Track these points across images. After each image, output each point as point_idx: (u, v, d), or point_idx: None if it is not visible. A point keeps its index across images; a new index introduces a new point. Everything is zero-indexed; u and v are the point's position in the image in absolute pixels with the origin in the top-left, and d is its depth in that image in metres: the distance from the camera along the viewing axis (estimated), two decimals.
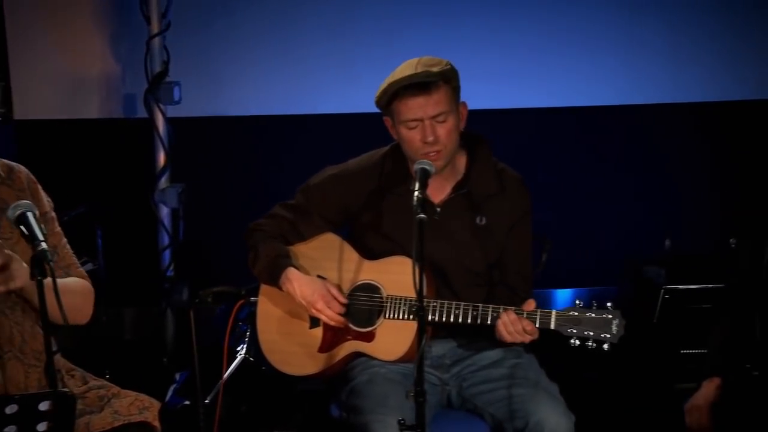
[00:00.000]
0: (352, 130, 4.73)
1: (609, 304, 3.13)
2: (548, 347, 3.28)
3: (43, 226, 2.60)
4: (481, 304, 3.21)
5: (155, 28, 4.96)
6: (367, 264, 3.36)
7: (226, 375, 3.72)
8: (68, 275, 2.86)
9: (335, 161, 3.47)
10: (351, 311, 3.33)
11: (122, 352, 4.92)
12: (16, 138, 5.12)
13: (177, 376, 4.60)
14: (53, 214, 2.92)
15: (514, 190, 3.37)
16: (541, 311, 3.15)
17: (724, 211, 5.18)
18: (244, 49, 5.15)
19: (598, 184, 5.28)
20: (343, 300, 3.32)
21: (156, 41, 4.97)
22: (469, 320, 3.21)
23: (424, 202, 2.96)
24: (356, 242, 3.40)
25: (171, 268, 5.10)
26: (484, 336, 3.28)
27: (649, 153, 5.30)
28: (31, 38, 5.12)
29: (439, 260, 3.30)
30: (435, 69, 3.20)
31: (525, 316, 3.16)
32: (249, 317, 3.78)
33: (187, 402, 4.15)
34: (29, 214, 2.59)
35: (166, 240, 5.10)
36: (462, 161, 3.37)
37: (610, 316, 3.11)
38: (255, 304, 3.48)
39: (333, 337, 3.35)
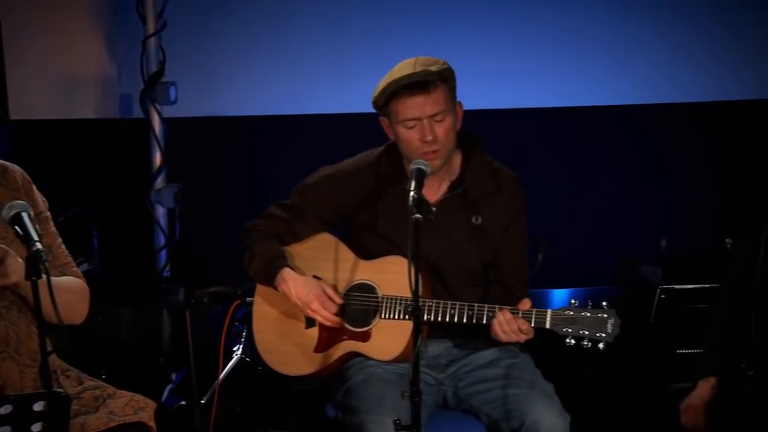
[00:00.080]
0: (348, 130, 4.74)
1: (604, 304, 3.13)
2: (544, 347, 3.29)
3: (37, 226, 2.60)
4: (476, 304, 3.21)
5: (151, 28, 4.96)
6: (363, 264, 3.36)
7: (222, 375, 3.72)
8: (63, 275, 2.86)
9: (331, 161, 3.47)
10: (346, 311, 3.33)
11: (118, 353, 4.92)
12: (12, 138, 5.12)
13: (173, 377, 4.60)
14: (48, 213, 2.91)
15: (510, 189, 3.37)
16: (536, 311, 3.15)
17: (720, 211, 5.18)
18: (240, 50, 5.15)
19: (594, 184, 5.29)
20: (339, 300, 3.32)
21: (152, 41, 4.97)
22: (464, 320, 3.21)
23: (420, 202, 2.96)
24: (352, 242, 3.40)
25: (167, 268, 5.10)
26: (479, 336, 3.29)
27: (645, 152, 5.30)
28: (27, 38, 5.12)
29: (435, 260, 3.30)
30: (433, 68, 3.21)
31: (520, 315, 3.16)
32: (245, 317, 3.78)
33: (183, 402, 4.15)
34: (24, 215, 2.59)
35: (162, 240, 5.10)
36: (457, 161, 3.37)
37: (605, 316, 3.11)
38: (251, 304, 3.48)
39: (329, 337, 3.35)
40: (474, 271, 3.36)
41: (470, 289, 3.35)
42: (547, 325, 3.15)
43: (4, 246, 2.67)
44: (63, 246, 2.92)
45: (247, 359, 4.03)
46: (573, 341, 3.13)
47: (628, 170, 5.31)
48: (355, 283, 3.35)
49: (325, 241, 3.42)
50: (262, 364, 3.44)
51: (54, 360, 2.85)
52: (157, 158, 5.05)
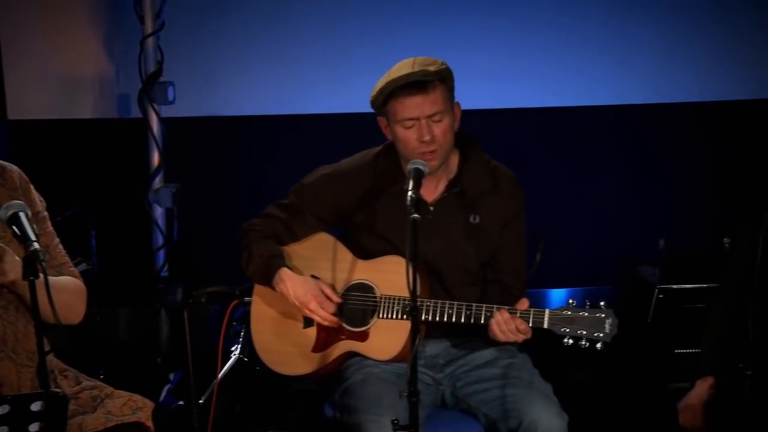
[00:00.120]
0: (346, 130, 4.74)
1: (602, 304, 3.13)
2: (542, 347, 3.29)
3: (35, 226, 2.60)
4: (474, 304, 3.21)
5: (149, 28, 4.96)
6: (361, 264, 3.36)
7: (220, 375, 3.72)
8: (60, 274, 2.86)
9: (329, 161, 3.47)
10: (345, 311, 3.33)
11: (116, 353, 4.92)
12: (10, 138, 5.12)
13: (171, 377, 4.60)
14: (45, 213, 2.91)
15: (508, 188, 3.37)
16: (534, 310, 3.15)
17: (719, 211, 5.19)
18: (238, 50, 5.15)
19: (592, 184, 5.29)
20: (337, 300, 3.32)
21: (150, 41, 4.97)
22: (462, 320, 3.21)
23: (418, 202, 2.96)
24: (350, 242, 3.40)
25: (165, 268, 5.09)
26: (477, 336, 3.28)
27: (644, 152, 5.31)
28: (25, 38, 5.11)
29: (433, 259, 3.30)
30: (432, 68, 3.21)
31: (518, 315, 3.16)
32: (243, 317, 3.78)
33: (181, 402, 4.15)
34: (21, 214, 2.59)
35: (160, 240, 5.10)
36: (455, 160, 3.37)
37: (603, 316, 3.11)
38: (249, 304, 3.48)
39: (327, 336, 3.35)
40: (472, 270, 3.36)
41: (468, 289, 3.35)
42: (545, 325, 3.14)
43: (1, 244, 2.67)
44: (60, 246, 2.92)
45: (246, 359, 4.03)
46: (571, 341, 3.13)
47: (626, 170, 5.32)
48: (353, 282, 3.35)
49: (323, 240, 3.42)
50: (261, 363, 3.44)
51: (52, 360, 2.85)
52: (155, 158, 5.05)
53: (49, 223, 2.91)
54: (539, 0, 5.19)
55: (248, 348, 3.95)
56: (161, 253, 5.09)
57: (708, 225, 5.11)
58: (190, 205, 5.10)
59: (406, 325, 3.15)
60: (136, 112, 5.05)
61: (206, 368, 3.78)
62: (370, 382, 3.23)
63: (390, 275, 3.27)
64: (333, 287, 3.35)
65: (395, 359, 3.27)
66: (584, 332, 3.11)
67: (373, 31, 5.14)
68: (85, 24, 5.16)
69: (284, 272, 3.32)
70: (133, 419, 2.79)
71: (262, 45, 5.17)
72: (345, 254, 3.38)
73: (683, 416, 3.25)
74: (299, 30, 5.16)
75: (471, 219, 3.35)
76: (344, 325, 3.33)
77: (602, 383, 4.59)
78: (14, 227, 2.58)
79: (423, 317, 3.19)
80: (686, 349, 4.49)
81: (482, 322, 3.19)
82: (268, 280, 3.35)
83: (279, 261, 3.34)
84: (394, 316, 3.28)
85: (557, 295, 5.16)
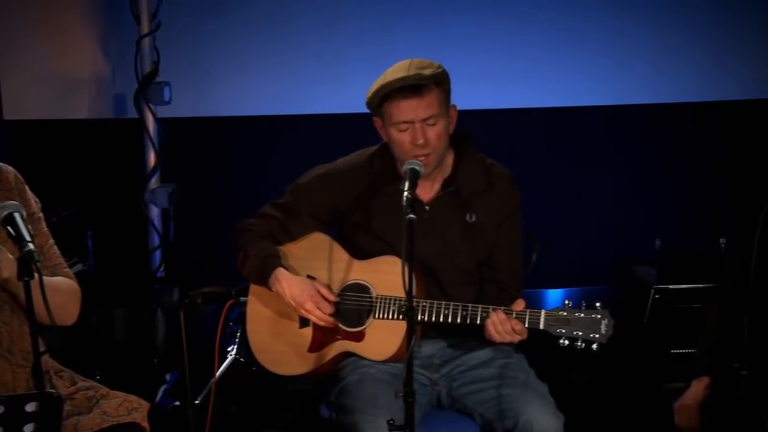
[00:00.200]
0: (343, 130, 4.74)
1: (598, 304, 3.14)
2: (538, 347, 3.29)
3: (30, 226, 2.60)
4: (470, 304, 3.21)
5: (145, 28, 4.96)
6: (357, 264, 3.36)
7: (217, 375, 3.72)
8: (54, 275, 2.86)
9: (325, 161, 3.47)
10: (340, 311, 3.33)
11: (112, 353, 4.91)
12: (6, 138, 5.11)
13: (167, 377, 4.60)
14: (41, 214, 2.91)
15: (503, 186, 3.37)
16: (530, 311, 3.16)
17: (715, 211, 5.19)
18: (234, 50, 5.15)
19: (589, 184, 5.29)
20: (333, 300, 3.32)
21: (146, 41, 4.96)
22: (458, 320, 3.21)
23: (414, 202, 2.96)
24: (346, 242, 3.40)
25: (161, 268, 5.09)
26: (473, 336, 3.29)
27: (641, 152, 5.30)
28: (21, 38, 5.10)
29: (429, 258, 3.30)
30: (427, 72, 3.20)
31: (514, 316, 3.16)
32: (239, 317, 3.78)
33: (177, 403, 4.15)
34: (16, 215, 2.59)
35: (156, 240, 5.10)
36: (449, 159, 3.37)
37: (598, 316, 3.12)
38: (245, 304, 3.48)
39: (322, 337, 3.35)
40: (468, 270, 3.36)
41: (464, 288, 3.35)
42: (541, 326, 3.15)
43: None
44: (55, 247, 2.92)
45: (242, 359, 4.02)
46: (567, 342, 3.13)
47: (623, 170, 5.31)
48: (349, 282, 3.35)
49: (319, 240, 3.42)
50: (257, 364, 3.44)
51: (47, 360, 2.85)
52: (152, 158, 5.05)
53: (44, 224, 2.91)
54: (539, 0, 5.18)
55: (244, 348, 3.94)
56: (157, 254, 5.09)
57: (704, 225, 5.11)
58: (186, 206, 5.10)
59: (402, 326, 3.15)
60: (132, 113, 5.04)
61: (202, 369, 3.78)
62: (366, 382, 3.23)
63: (386, 275, 3.27)
64: (329, 287, 3.35)
65: (391, 359, 3.27)
66: (580, 333, 3.11)
67: (371, 31, 5.13)
68: (81, 24, 5.15)
69: (280, 272, 3.32)
70: (129, 420, 2.79)
71: (259, 45, 5.17)
72: (341, 254, 3.38)
73: (679, 416, 3.25)
74: (296, 30, 5.15)
75: (467, 218, 3.35)
76: (340, 326, 3.33)
77: (598, 383, 4.59)
78: (9, 228, 2.58)
79: (419, 318, 3.19)
80: (682, 349, 4.49)
81: (478, 322, 3.19)
82: (263, 280, 3.34)
83: (275, 261, 3.34)
84: (390, 317, 3.28)
85: (554, 295, 5.15)
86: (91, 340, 4.60)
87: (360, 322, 3.32)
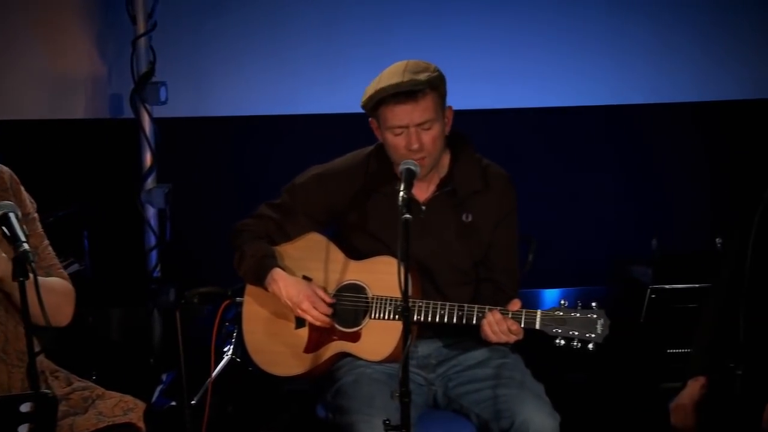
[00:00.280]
0: (341, 130, 4.73)
1: (594, 304, 3.14)
2: (534, 347, 3.29)
3: (25, 227, 2.60)
4: (466, 305, 3.21)
5: (141, 28, 4.95)
6: (353, 264, 3.36)
7: (213, 375, 3.71)
8: (49, 275, 2.86)
9: (323, 161, 3.47)
10: (337, 311, 3.33)
11: (109, 353, 4.91)
12: (1, 138, 5.10)
13: (163, 377, 4.60)
14: (36, 215, 2.91)
15: (500, 186, 3.37)
16: (526, 311, 3.15)
17: (711, 211, 5.19)
18: (231, 50, 5.14)
19: (585, 184, 5.29)
20: (329, 300, 3.32)
21: (142, 41, 4.96)
22: (454, 320, 3.21)
23: (410, 202, 2.96)
24: (342, 242, 3.40)
25: (158, 268, 5.09)
26: (469, 336, 3.29)
27: (639, 152, 5.31)
28: (16, 38, 5.10)
29: (425, 258, 3.30)
30: (422, 77, 3.19)
31: (510, 316, 3.16)
32: (235, 318, 3.78)
33: (173, 403, 4.15)
34: (11, 215, 2.59)
35: (152, 240, 5.09)
36: (446, 159, 3.37)
37: (594, 316, 3.12)
38: (241, 304, 3.47)
39: (319, 337, 3.34)
40: (464, 269, 3.36)
41: (461, 288, 3.35)
42: (537, 326, 3.15)
43: None
44: (50, 247, 2.91)
45: (238, 360, 4.02)
46: (563, 342, 3.13)
47: (621, 170, 5.32)
48: (345, 283, 3.35)
49: (315, 241, 3.42)
50: (253, 364, 3.43)
51: (42, 361, 2.85)
52: (148, 158, 5.04)
53: (38, 225, 2.91)
54: (539, 0, 5.18)
55: (240, 348, 3.94)
56: (154, 254, 5.09)
57: (701, 225, 5.11)
58: (182, 206, 5.10)
59: (398, 326, 3.15)
60: (128, 113, 5.04)
61: (198, 369, 3.77)
62: (362, 382, 3.23)
63: (382, 275, 3.27)
64: (325, 288, 3.34)
65: (387, 360, 3.27)
66: (576, 333, 3.11)
67: (371, 31, 5.13)
68: (76, 24, 5.14)
69: (276, 272, 3.32)
70: (125, 420, 2.79)
71: (256, 45, 5.16)
72: (337, 254, 3.38)
73: (675, 416, 3.25)
74: (294, 30, 5.15)
75: (463, 218, 3.35)
76: (336, 326, 3.32)
77: (594, 383, 4.60)
78: (4, 228, 2.57)
79: (415, 318, 3.20)
80: (678, 348, 4.49)
81: (474, 322, 3.19)
82: (260, 280, 3.34)
83: (271, 261, 3.34)
84: (386, 317, 3.27)
85: (550, 295, 5.16)
86: (87, 340, 4.59)
87: (356, 322, 3.32)
